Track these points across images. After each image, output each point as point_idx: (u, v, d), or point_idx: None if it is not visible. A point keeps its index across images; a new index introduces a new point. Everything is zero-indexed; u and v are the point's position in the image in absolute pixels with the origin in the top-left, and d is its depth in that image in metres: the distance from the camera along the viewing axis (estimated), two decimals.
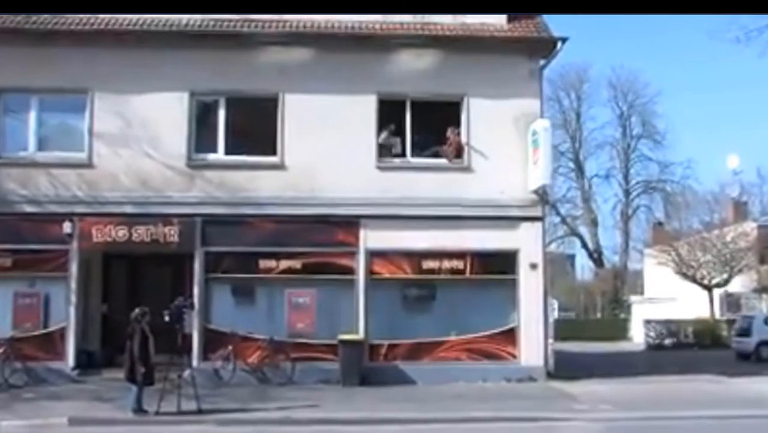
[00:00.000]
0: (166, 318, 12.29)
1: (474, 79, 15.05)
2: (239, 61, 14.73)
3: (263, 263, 14.71)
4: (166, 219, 14.43)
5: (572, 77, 50.18)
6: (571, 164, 50.64)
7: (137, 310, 11.16)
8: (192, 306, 13.60)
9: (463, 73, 15.03)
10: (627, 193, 50.06)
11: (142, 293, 14.89)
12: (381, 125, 15.08)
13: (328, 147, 14.69)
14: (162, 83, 14.61)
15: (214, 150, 14.93)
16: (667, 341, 28.66)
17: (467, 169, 15.11)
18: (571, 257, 63.10)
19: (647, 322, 29.83)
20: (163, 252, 14.57)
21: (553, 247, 49.09)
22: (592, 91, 52.10)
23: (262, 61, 14.81)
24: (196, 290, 14.37)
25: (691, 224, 33.40)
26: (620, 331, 39.15)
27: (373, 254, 14.81)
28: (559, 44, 14.99)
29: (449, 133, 15.29)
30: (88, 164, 14.60)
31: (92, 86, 14.67)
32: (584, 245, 50.91)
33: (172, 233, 14.45)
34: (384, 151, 15.14)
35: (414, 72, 14.97)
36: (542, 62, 15.46)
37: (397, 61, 15.02)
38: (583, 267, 61.89)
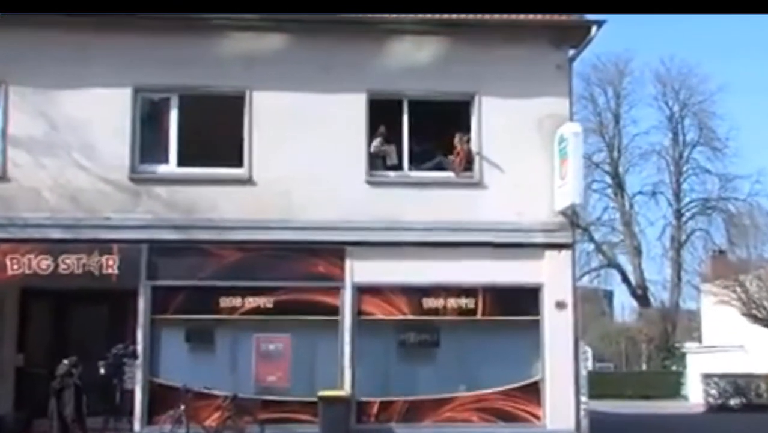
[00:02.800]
0: (102, 371, 12.58)
1: (487, 73, 15.45)
2: (196, 49, 15.07)
3: (225, 301, 14.95)
4: (102, 246, 14.66)
5: (610, 70, 51.12)
6: (608, 178, 51.36)
7: (66, 362, 11.43)
8: (134, 355, 13.87)
9: (474, 66, 15.42)
10: (679, 214, 50.65)
11: (70, 340, 15.11)
12: (372, 131, 15.44)
13: (306, 157, 15.01)
14: (98, 76, 14.89)
15: (164, 160, 15.23)
16: (733, 401, 28.88)
17: (478, 184, 15.48)
18: (609, 294, 63.60)
19: (707, 376, 30.13)
20: (99, 288, 14.77)
21: (585, 281, 49.60)
22: (634, 88, 53.03)
23: (225, 50, 15.17)
24: (139, 335, 14.57)
25: (762, 253, 33.84)
26: (672, 387, 39.54)
27: (363, 290, 15.10)
28: (593, 30, 15.37)
29: (456, 140, 15.66)
30: (2, 177, 14.81)
31: (7, 78, 14.90)
32: (625, 279, 51.39)
33: (110, 264, 14.67)
34: (376, 162, 15.48)
35: (413, 65, 15.36)
36: (572, 52, 15.89)
37: (392, 51, 15.44)
38: (624, 306, 62.46)
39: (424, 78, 15.40)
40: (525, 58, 15.58)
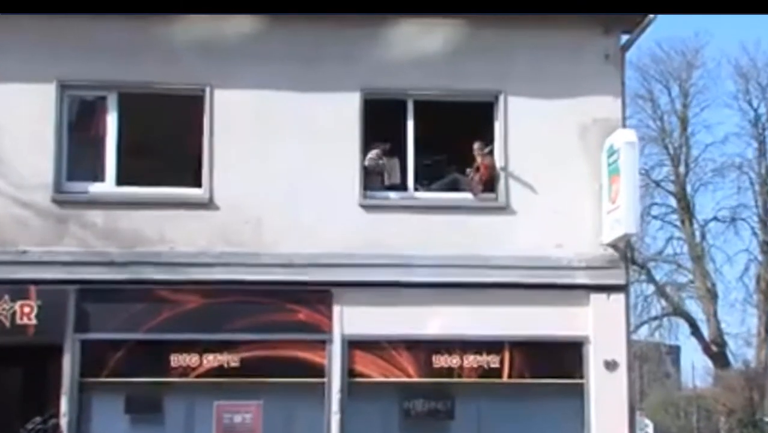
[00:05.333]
0: None
1: (515, 66, 15.52)
2: (142, 35, 15.07)
3: (177, 359, 14.87)
4: (16, 289, 14.59)
5: (675, 62, 50.96)
6: (673, 201, 51.28)
7: None
8: (56, 430, 13.78)
9: (499, 58, 15.49)
10: (766, 246, 50.63)
11: None
12: (368, 140, 15.50)
13: (283, 174, 15.05)
14: (12, 69, 14.86)
15: (99, 177, 15.25)
16: None
17: (504, 209, 15.49)
18: (675, 351, 63.31)
19: None
20: (11, 343, 14.56)
21: (644, 333, 49.42)
22: (707, 84, 52.69)
23: (179, 37, 15.14)
24: (64, 404, 14.44)
25: None
26: None
27: (355, 344, 15.06)
28: None
29: (476, 151, 15.73)
30: None
31: None
32: (696, 332, 51.21)
33: (26, 312, 14.59)
34: (373, 180, 15.55)
35: (420, 57, 15.37)
36: (626, 38, 15.95)
37: (393, 39, 15.43)
38: (695, 367, 62.12)
39: (434, 73, 15.43)
40: (564, 47, 15.62)
